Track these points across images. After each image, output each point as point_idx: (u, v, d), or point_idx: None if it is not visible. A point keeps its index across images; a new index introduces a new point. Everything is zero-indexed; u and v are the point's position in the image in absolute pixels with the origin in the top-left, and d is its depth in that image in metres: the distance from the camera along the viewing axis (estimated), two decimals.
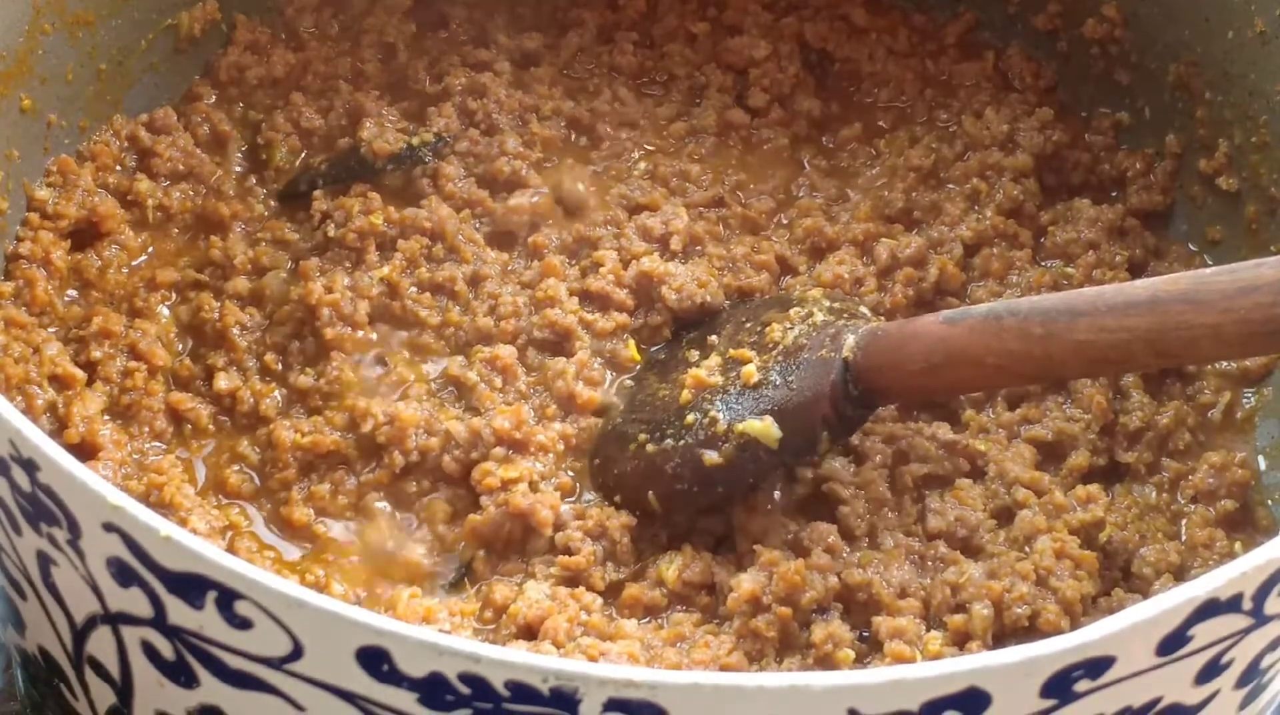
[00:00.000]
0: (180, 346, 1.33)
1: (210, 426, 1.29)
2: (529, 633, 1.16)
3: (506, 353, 1.31)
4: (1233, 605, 0.93)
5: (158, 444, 1.28)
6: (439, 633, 0.91)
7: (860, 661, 1.16)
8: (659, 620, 1.20)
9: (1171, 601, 0.91)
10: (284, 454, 1.26)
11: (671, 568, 1.21)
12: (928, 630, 1.16)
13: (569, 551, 1.22)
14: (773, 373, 1.23)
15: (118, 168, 1.40)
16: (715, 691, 0.88)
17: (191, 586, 0.92)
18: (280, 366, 1.32)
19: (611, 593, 1.22)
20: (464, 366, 1.31)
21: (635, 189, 1.43)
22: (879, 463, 1.27)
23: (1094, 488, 1.26)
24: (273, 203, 1.42)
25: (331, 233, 1.37)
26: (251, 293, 1.35)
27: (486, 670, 0.88)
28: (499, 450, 1.26)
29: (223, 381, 1.30)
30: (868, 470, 1.26)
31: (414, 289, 1.35)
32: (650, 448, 1.24)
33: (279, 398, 1.31)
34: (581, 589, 1.20)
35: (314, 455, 1.27)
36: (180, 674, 0.98)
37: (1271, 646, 1.01)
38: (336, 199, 1.39)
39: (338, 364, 1.30)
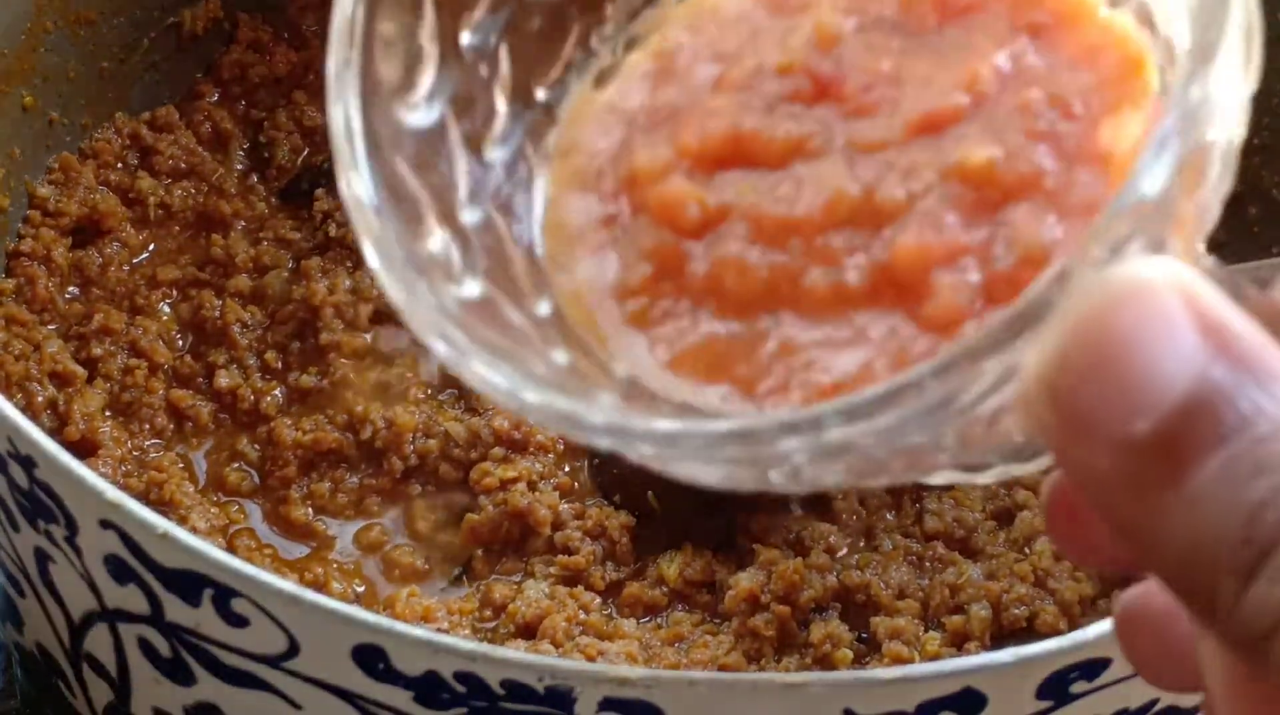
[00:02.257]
0: (181, 343, 1.33)
1: (210, 424, 1.29)
2: (528, 632, 1.16)
3: None
4: None
5: (158, 441, 1.28)
6: (435, 631, 0.91)
7: (859, 662, 1.16)
8: (658, 620, 1.20)
9: None
10: (284, 452, 1.26)
11: (673, 566, 1.21)
12: (926, 631, 1.16)
13: (568, 551, 1.22)
14: None
15: (119, 165, 1.40)
16: (710, 690, 0.88)
17: (188, 584, 0.92)
18: (281, 365, 1.32)
19: (611, 592, 1.22)
20: None
21: None
22: None
23: None
24: (274, 200, 1.42)
25: (333, 232, 1.37)
26: (253, 291, 1.35)
27: (482, 669, 0.88)
28: (498, 450, 1.26)
29: (223, 379, 1.30)
30: None
31: None
32: None
33: (280, 396, 1.31)
34: (580, 588, 1.20)
35: (314, 453, 1.27)
36: (177, 671, 0.98)
37: None
38: (338, 198, 1.39)
39: (337, 365, 1.30)
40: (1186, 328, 0.48)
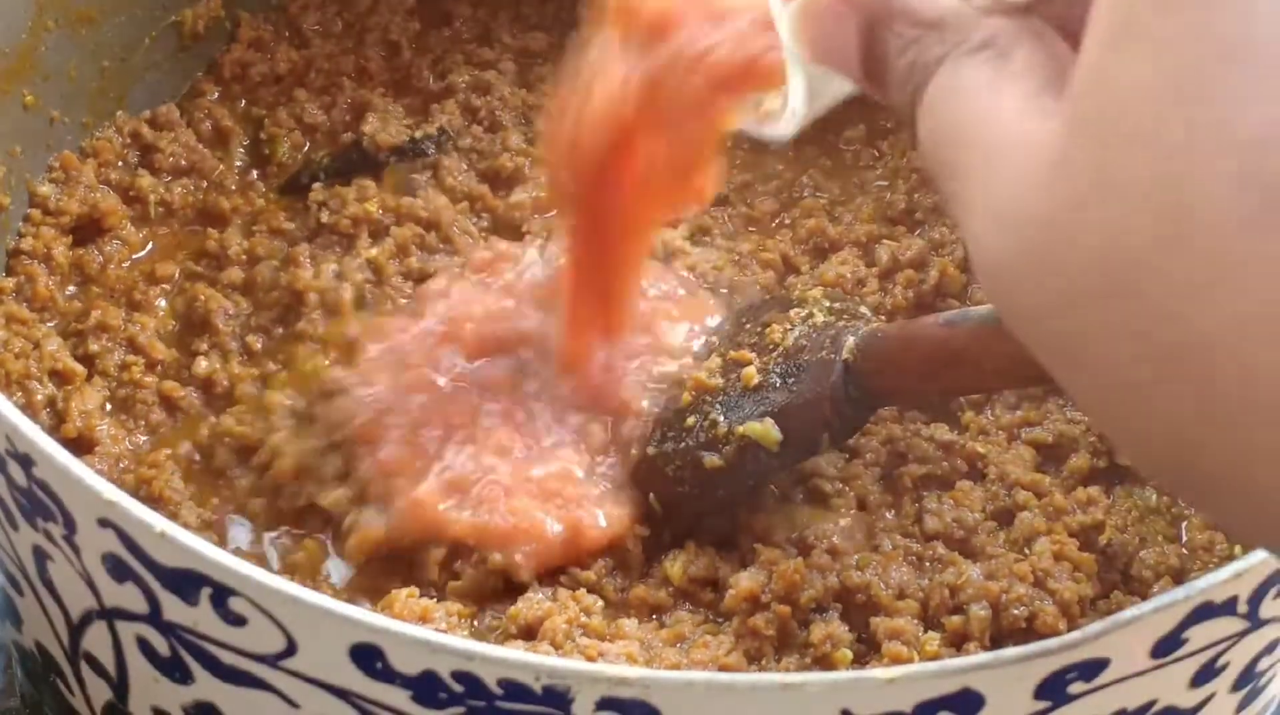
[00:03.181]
0: (176, 336, 1.34)
1: (204, 411, 1.29)
2: (528, 633, 1.16)
3: None
4: (1228, 608, 0.93)
5: (153, 436, 1.27)
6: (433, 631, 0.91)
7: (859, 662, 1.15)
8: (659, 620, 1.20)
9: (1165, 603, 0.91)
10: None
11: (676, 565, 1.21)
12: (926, 631, 1.16)
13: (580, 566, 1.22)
14: (773, 375, 1.23)
15: (120, 164, 1.40)
16: (708, 690, 0.88)
17: (186, 582, 0.92)
18: (261, 348, 1.32)
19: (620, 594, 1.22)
20: None
21: None
22: (869, 461, 1.27)
23: (1094, 490, 1.25)
24: (274, 196, 1.42)
25: (325, 218, 1.37)
26: (245, 283, 1.36)
27: (479, 668, 0.88)
28: None
29: (202, 364, 1.30)
30: (855, 466, 1.26)
31: (399, 278, 1.35)
32: (651, 450, 1.24)
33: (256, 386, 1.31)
34: (582, 591, 1.19)
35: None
36: (175, 670, 0.98)
37: (1268, 649, 1.01)
38: (334, 189, 1.39)
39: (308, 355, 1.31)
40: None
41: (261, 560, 1.21)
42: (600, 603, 1.18)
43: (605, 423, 1.25)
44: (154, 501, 1.20)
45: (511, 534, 1.19)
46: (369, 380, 1.27)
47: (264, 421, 1.27)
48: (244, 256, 1.37)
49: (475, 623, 1.18)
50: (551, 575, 1.20)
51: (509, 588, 1.20)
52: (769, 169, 1.47)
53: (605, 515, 1.21)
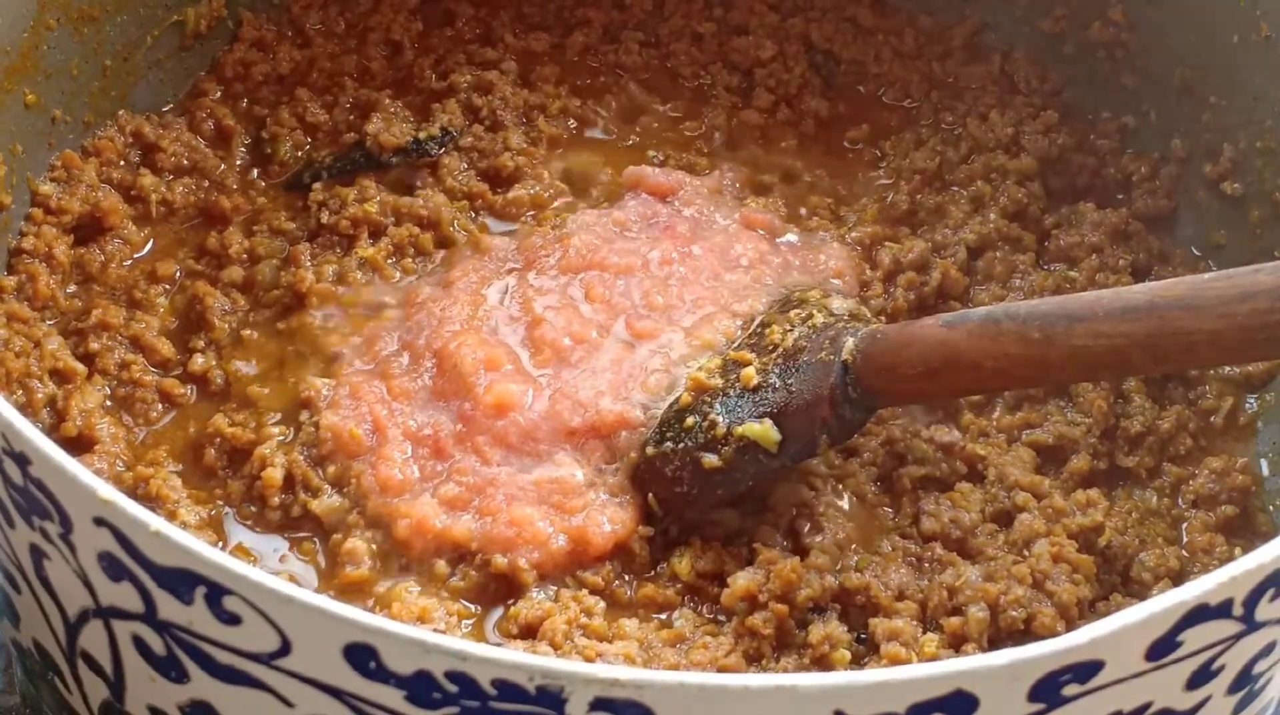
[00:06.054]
0: (176, 333, 1.34)
1: (199, 410, 1.30)
2: (529, 633, 1.16)
3: None
4: (1223, 611, 0.93)
5: (153, 429, 1.28)
6: (427, 630, 0.91)
7: (857, 663, 1.15)
8: (663, 619, 1.20)
9: (1160, 606, 0.90)
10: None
11: (683, 561, 1.21)
12: (924, 632, 1.16)
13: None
14: (772, 375, 1.23)
15: (121, 163, 1.40)
16: (701, 691, 0.87)
17: (181, 581, 0.93)
18: (254, 345, 1.33)
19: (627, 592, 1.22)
20: None
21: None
22: (865, 460, 1.27)
23: (1094, 492, 1.25)
24: (275, 194, 1.42)
25: (325, 219, 1.37)
26: (245, 281, 1.36)
27: (473, 668, 0.88)
28: None
29: (198, 361, 1.30)
30: (851, 465, 1.26)
31: (398, 275, 1.35)
32: (650, 450, 1.24)
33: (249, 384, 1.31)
34: (584, 591, 1.20)
35: None
36: (171, 669, 0.98)
37: (1264, 652, 1.00)
38: (334, 189, 1.40)
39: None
40: None
41: (257, 560, 1.21)
42: (601, 604, 1.18)
43: (604, 437, 1.25)
44: (151, 500, 1.20)
45: (514, 541, 1.19)
46: (356, 392, 1.27)
47: (255, 420, 1.27)
48: (245, 256, 1.37)
49: (475, 623, 1.18)
50: (556, 575, 1.21)
51: (511, 587, 1.20)
52: (773, 166, 1.48)
53: (609, 520, 1.21)
